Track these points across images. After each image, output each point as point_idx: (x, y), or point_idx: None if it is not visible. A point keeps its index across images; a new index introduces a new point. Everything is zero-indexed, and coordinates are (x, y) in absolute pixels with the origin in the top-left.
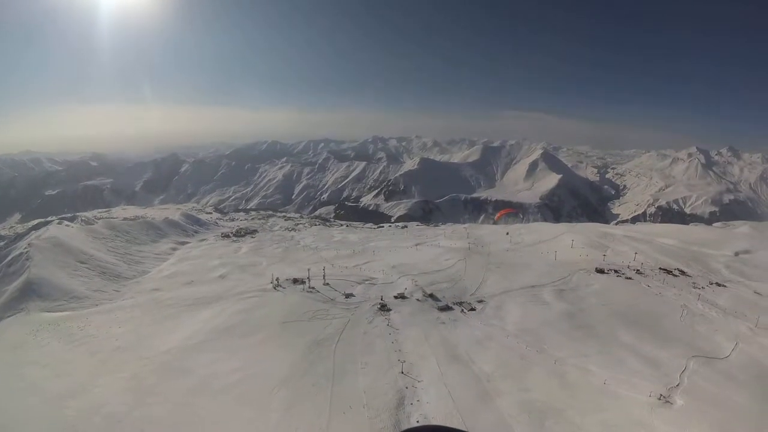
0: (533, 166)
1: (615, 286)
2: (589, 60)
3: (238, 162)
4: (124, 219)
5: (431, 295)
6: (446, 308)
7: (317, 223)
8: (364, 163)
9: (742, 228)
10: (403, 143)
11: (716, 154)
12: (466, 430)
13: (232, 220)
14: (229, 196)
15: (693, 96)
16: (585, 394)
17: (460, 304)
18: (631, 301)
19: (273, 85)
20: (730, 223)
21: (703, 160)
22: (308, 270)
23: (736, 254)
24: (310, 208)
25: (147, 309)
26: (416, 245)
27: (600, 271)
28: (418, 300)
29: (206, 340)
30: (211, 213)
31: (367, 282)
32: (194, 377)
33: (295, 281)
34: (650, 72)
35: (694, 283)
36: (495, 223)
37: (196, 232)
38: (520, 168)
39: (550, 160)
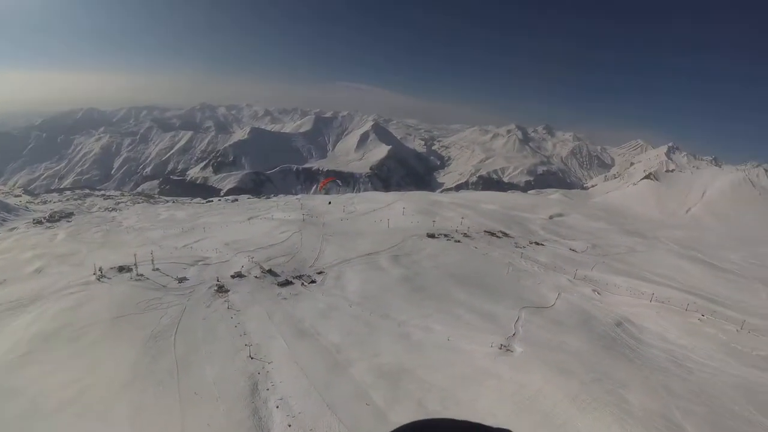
0: (364, 138)
1: (446, 249)
2: (417, 46)
3: (50, 134)
4: None
5: (270, 271)
6: (286, 283)
7: (140, 201)
8: (190, 133)
9: (554, 195)
10: (233, 112)
11: (533, 131)
12: (469, 420)
13: (45, 202)
14: (41, 175)
15: (513, 82)
16: (432, 352)
17: (300, 277)
18: (462, 262)
19: (90, 42)
20: (544, 191)
21: (520, 136)
22: (135, 255)
23: (551, 217)
24: (132, 184)
25: None
26: (249, 219)
27: (431, 236)
28: (256, 277)
29: (30, 352)
30: (20, 195)
31: (200, 263)
32: (23, 398)
33: (121, 269)
34: (476, 61)
35: (516, 243)
36: (319, 192)
37: (3, 220)
38: (352, 139)
39: (381, 132)
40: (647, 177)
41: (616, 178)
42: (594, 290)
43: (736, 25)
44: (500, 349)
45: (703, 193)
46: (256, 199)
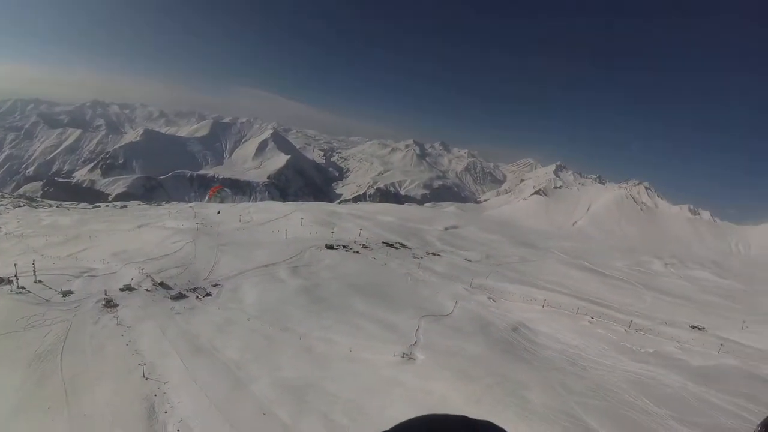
0: (263, 146)
1: (345, 260)
2: (319, 59)
3: None
4: None
5: (162, 284)
6: (180, 296)
7: (22, 204)
8: (79, 131)
9: (450, 208)
10: (126, 111)
11: (430, 147)
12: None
13: None
14: None
15: (413, 99)
16: (335, 364)
17: (195, 290)
18: (361, 272)
19: None
20: (440, 204)
21: (418, 151)
22: (15, 265)
23: (446, 229)
24: (14, 185)
25: None
26: (139, 227)
27: (330, 246)
28: (147, 290)
29: None
30: None
31: (86, 274)
32: None
33: (0, 281)
34: (377, 79)
35: (413, 254)
36: (209, 201)
37: None
38: (250, 146)
39: (280, 141)
40: (537, 193)
41: (507, 193)
42: (489, 298)
43: (617, 59)
44: (403, 357)
45: (588, 207)
46: (146, 206)
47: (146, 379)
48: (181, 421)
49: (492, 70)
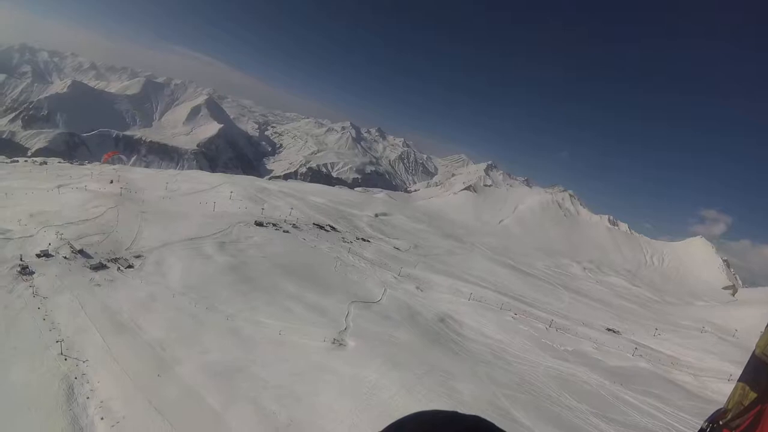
0: (195, 111)
1: (274, 238)
2: (262, 28)
3: None
4: None
5: (81, 251)
6: (100, 266)
7: None
8: (4, 76)
9: (379, 194)
10: (56, 59)
11: (366, 132)
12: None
13: None
14: None
15: (355, 80)
16: (264, 347)
17: (116, 260)
18: (291, 253)
19: None
20: (370, 189)
21: (354, 135)
22: None
23: (376, 215)
24: None
25: None
26: (59, 187)
27: (259, 224)
28: (66, 258)
29: None
30: None
31: (0, 236)
32: None
33: None
34: (320, 55)
35: (344, 237)
36: (103, 163)
37: None
38: (182, 110)
39: (214, 108)
40: (467, 188)
41: (438, 186)
42: (417, 287)
43: (557, 66)
44: (333, 343)
45: (515, 207)
46: (68, 165)
47: (64, 356)
48: (102, 403)
49: (436, 58)
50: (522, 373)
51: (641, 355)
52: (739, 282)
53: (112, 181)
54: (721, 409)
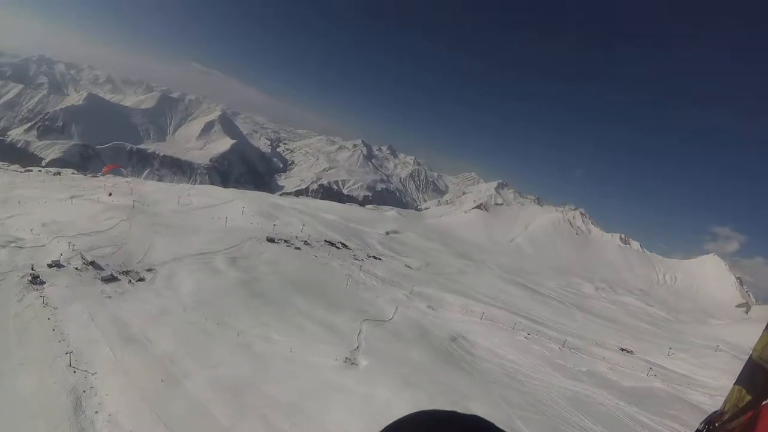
0: (209, 127)
1: (286, 255)
2: (279, 47)
3: None
4: None
5: (93, 263)
6: (112, 279)
7: None
8: (21, 87)
9: (390, 212)
10: (73, 71)
11: (377, 150)
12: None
13: None
14: None
15: (366, 99)
16: (274, 364)
17: (127, 273)
18: (302, 270)
19: None
20: (381, 207)
21: (365, 152)
22: None
23: (387, 233)
24: None
25: None
26: (71, 198)
27: (271, 240)
28: (77, 269)
29: None
30: None
31: (12, 244)
32: None
33: None
34: (331, 76)
35: (355, 255)
36: (104, 175)
37: None
38: (196, 126)
39: (227, 124)
40: (478, 207)
41: (448, 204)
42: (429, 306)
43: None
44: (345, 362)
45: (526, 226)
46: (81, 176)
47: (72, 368)
48: (110, 416)
49: (447, 76)
50: (536, 393)
51: (656, 375)
52: (753, 299)
53: (110, 194)
54: (717, 411)
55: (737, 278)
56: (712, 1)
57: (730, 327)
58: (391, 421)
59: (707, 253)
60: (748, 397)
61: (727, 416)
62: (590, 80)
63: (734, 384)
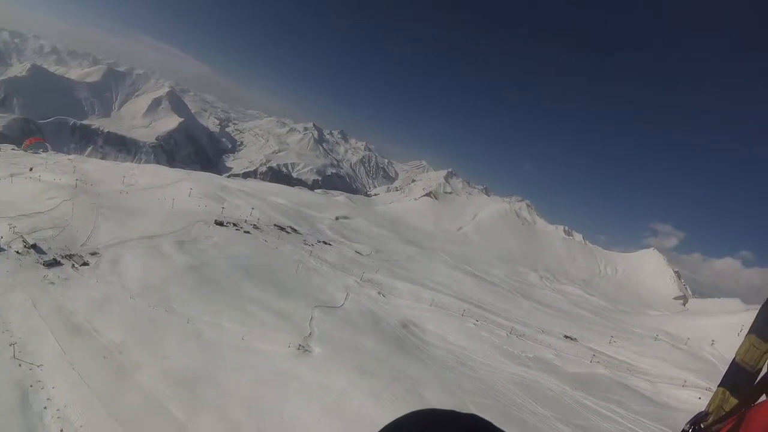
0: (156, 103)
1: (235, 239)
2: (230, 22)
3: None
4: None
5: (34, 246)
6: (54, 263)
7: None
8: None
9: (340, 197)
10: (17, 40)
11: (329, 134)
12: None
13: None
14: None
15: (318, 82)
16: (227, 353)
17: (71, 257)
18: (252, 255)
19: None
20: (330, 191)
21: (316, 136)
22: None
23: (337, 218)
24: None
25: None
26: (11, 176)
27: (219, 223)
28: (18, 252)
29: None
30: None
31: None
32: None
33: None
34: (285, 56)
35: (305, 240)
36: (23, 151)
37: None
38: (142, 102)
39: (175, 101)
40: (428, 195)
41: (398, 191)
42: (380, 293)
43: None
44: (299, 349)
45: (474, 215)
46: (20, 152)
47: (17, 359)
48: (59, 411)
49: (398, 64)
50: (487, 379)
51: (599, 362)
52: (690, 293)
53: (31, 168)
54: (702, 412)
55: (675, 272)
56: None
57: (668, 318)
58: (356, 420)
59: (647, 247)
60: (733, 400)
61: (711, 418)
62: (538, 79)
63: (718, 386)
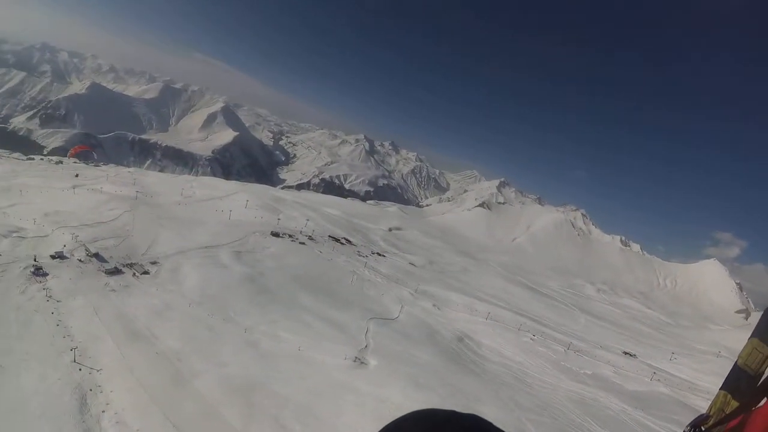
0: (211, 118)
1: (291, 250)
2: (282, 41)
3: None
4: None
5: (96, 255)
6: (116, 271)
7: None
8: (23, 74)
9: (392, 208)
10: (76, 60)
11: (380, 145)
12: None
13: None
14: None
15: (369, 94)
16: (283, 363)
17: (131, 266)
18: (307, 265)
19: None
20: (382, 202)
21: (367, 147)
22: None
23: (390, 229)
24: None
25: None
26: (74, 188)
27: (275, 234)
28: (80, 261)
29: None
30: None
31: (14, 235)
32: None
33: None
34: (337, 71)
35: (358, 251)
36: (69, 160)
37: None
38: (198, 117)
39: (230, 116)
40: (481, 205)
41: (449, 201)
42: (434, 305)
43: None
44: (354, 361)
45: (528, 226)
46: (82, 165)
47: (77, 363)
48: (116, 415)
49: (450, 73)
50: (544, 396)
51: (659, 380)
52: (752, 306)
53: (77, 175)
54: (703, 414)
55: (737, 284)
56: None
57: (730, 333)
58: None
59: (708, 257)
60: (734, 403)
61: (712, 421)
62: (593, 82)
63: (720, 389)
